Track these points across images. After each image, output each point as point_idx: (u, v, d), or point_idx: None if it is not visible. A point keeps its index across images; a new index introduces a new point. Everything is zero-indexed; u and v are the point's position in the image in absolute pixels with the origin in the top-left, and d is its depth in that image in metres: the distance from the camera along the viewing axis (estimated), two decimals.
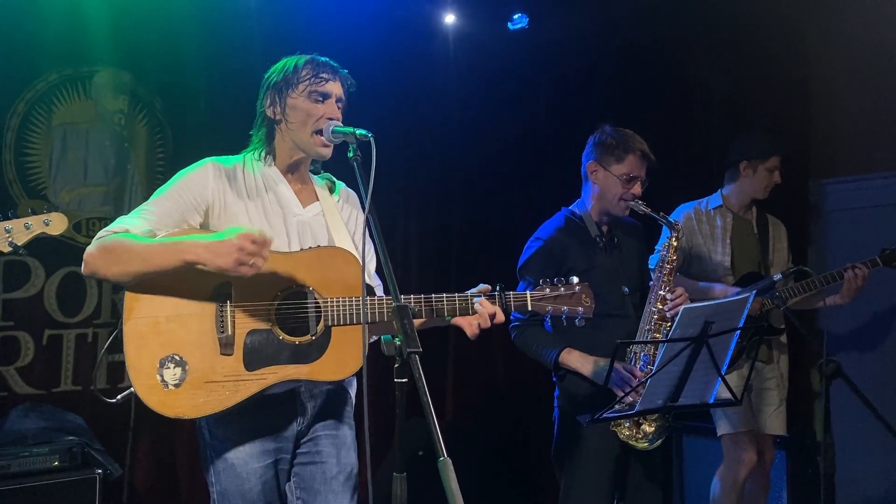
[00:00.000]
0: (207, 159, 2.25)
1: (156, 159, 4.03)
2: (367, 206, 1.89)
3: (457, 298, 2.18)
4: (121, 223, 2.10)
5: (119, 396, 2.12)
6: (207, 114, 4.03)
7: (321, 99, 2.25)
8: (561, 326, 2.93)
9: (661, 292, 2.92)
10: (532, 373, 4.48)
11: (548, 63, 5.07)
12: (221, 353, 2.07)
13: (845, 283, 3.64)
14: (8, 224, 2.17)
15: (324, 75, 2.25)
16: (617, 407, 2.62)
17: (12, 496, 3.07)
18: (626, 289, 3.01)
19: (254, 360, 2.08)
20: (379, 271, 2.37)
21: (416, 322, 2.22)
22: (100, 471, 3.25)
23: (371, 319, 2.11)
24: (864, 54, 4.62)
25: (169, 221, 2.13)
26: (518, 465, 4.70)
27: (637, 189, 2.98)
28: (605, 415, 2.54)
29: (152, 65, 3.98)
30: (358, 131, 2.06)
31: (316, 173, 2.43)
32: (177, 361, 2.05)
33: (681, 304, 2.86)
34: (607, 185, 3.01)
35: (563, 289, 2.30)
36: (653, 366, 2.63)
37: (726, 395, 2.66)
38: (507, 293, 2.25)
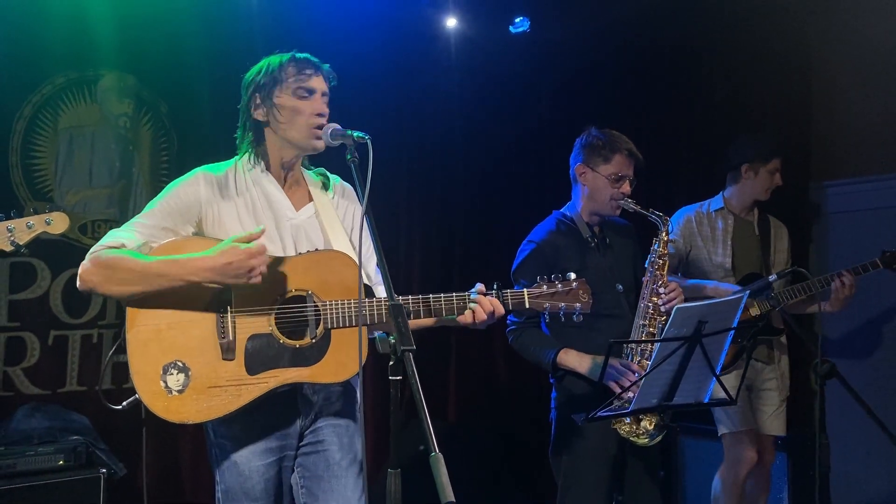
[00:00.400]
0: (198, 169, 2.27)
1: (160, 162, 4.06)
2: (363, 207, 1.92)
3: (454, 297, 2.20)
4: (115, 237, 2.12)
5: (125, 403, 2.15)
6: (211, 117, 4.05)
7: (307, 95, 2.25)
8: (557, 328, 2.97)
9: (654, 286, 2.92)
10: (533, 373, 4.44)
11: (549, 66, 5.07)
12: (223, 359, 2.10)
13: (833, 293, 3.63)
14: (10, 223, 2.19)
15: (307, 71, 2.26)
16: (612, 406, 2.62)
17: (18, 494, 3.12)
18: (621, 287, 3.01)
19: (255, 364, 2.11)
20: (378, 266, 2.40)
21: (427, 322, 2.25)
22: (104, 470, 3.30)
23: (369, 321, 2.13)
24: (866, 57, 4.62)
25: (162, 234, 2.16)
26: (518, 465, 4.71)
27: (626, 188, 2.99)
28: (599, 413, 2.55)
29: (157, 68, 4.01)
30: (355, 133, 2.09)
31: (309, 169, 2.43)
32: (180, 367, 2.07)
33: (674, 298, 2.87)
34: (596, 185, 3.02)
35: (559, 285, 2.30)
36: (650, 359, 2.64)
37: (722, 395, 2.67)
38: (504, 291, 2.26)
